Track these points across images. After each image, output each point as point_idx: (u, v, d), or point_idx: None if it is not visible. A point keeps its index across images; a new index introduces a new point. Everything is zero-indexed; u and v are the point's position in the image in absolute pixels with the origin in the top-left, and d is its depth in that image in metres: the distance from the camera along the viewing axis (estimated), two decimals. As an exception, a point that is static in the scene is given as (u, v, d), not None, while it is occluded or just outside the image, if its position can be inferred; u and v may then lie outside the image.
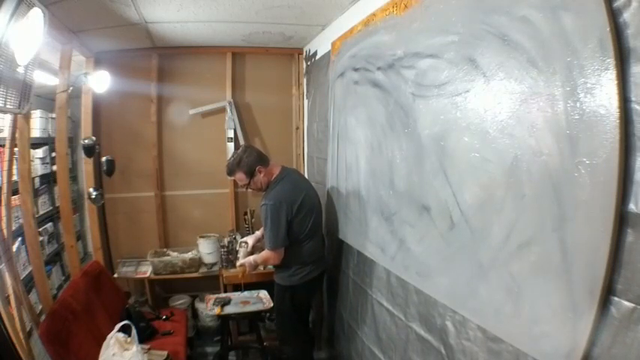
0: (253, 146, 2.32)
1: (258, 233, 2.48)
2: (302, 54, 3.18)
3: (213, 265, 2.99)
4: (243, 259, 2.30)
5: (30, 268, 2.14)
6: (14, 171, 1.90)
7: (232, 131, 3.19)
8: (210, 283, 3.05)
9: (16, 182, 1.95)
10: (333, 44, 2.38)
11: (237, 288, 2.69)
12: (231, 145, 3.20)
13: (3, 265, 1.66)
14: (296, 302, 2.25)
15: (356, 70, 2.02)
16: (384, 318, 1.84)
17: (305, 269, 2.18)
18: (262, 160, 2.17)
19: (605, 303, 0.82)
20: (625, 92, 0.78)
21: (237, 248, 2.53)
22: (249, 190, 2.24)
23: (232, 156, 2.24)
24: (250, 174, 2.14)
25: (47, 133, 2.99)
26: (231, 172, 2.19)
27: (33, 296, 2.10)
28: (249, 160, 2.13)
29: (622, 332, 0.79)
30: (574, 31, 0.86)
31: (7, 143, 1.81)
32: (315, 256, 2.23)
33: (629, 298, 0.78)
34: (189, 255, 2.98)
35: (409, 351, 1.61)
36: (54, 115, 2.59)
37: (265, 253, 2.17)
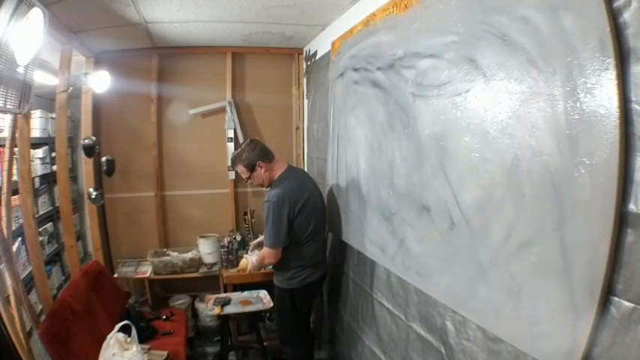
0: (259, 141, 2.23)
1: (260, 239, 2.50)
2: (302, 54, 3.18)
3: (213, 265, 2.99)
4: (247, 258, 2.32)
5: (30, 268, 2.14)
6: (14, 171, 1.90)
7: (232, 131, 3.19)
8: (210, 283, 3.05)
9: (16, 182, 1.95)
10: (333, 44, 2.38)
11: (237, 288, 2.70)
12: (231, 145, 3.20)
13: (3, 265, 1.66)
14: (297, 305, 2.22)
15: (356, 70, 2.02)
16: (384, 318, 1.84)
17: (304, 272, 2.15)
18: (265, 155, 2.15)
19: (605, 303, 0.82)
20: (625, 92, 0.78)
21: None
22: (249, 183, 2.24)
23: (237, 148, 2.26)
24: (251, 168, 2.14)
25: (47, 133, 2.99)
26: (233, 164, 2.23)
27: (33, 296, 2.10)
28: (251, 155, 2.13)
29: (622, 332, 0.79)
30: (574, 31, 0.86)
31: (7, 143, 1.81)
32: (315, 259, 2.20)
33: (629, 298, 0.78)
34: (189, 255, 2.98)
35: (409, 351, 1.61)
36: (54, 115, 2.58)
37: (263, 251, 2.15)
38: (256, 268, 2.26)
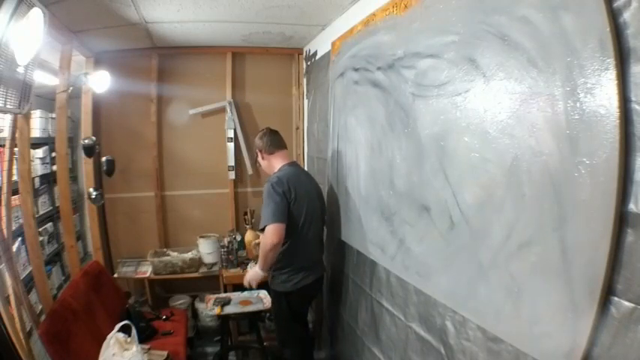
0: (272, 132, 2.28)
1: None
2: (302, 54, 3.18)
3: (213, 265, 2.99)
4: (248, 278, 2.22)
5: (30, 268, 2.14)
6: (14, 171, 1.90)
7: (232, 131, 3.19)
8: (210, 283, 3.05)
9: (16, 182, 1.95)
10: (333, 44, 2.38)
11: (237, 288, 2.70)
12: (231, 145, 3.20)
13: (3, 265, 1.66)
14: (293, 308, 2.21)
15: (356, 70, 2.02)
16: (383, 318, 1.84)
17: (297, 276, 2.13)
18: (266, 146, 2.25)
19: (605, 303, 0.82)
20: (625, 92, 0.77)
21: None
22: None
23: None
24: (255, 153, 2.36)
25: (47, 133, 2.99)
26: None
27: (33, 296, 2.10)
28: (257, 142, 2.30)
29: (622, 332, 0.79)
30: (574, 31, 0.86)
31: (7, 143, 1.81)
32: (308, 261, 2.18)
33: (629, 298, 0.78)
34: (189, 255, 2.98)
35: (409, 351, 1.61)
36: (54, 115, 2.58)
37: (265, 233, 2.02)
38: (262, 258, 2.07)
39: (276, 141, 2.26)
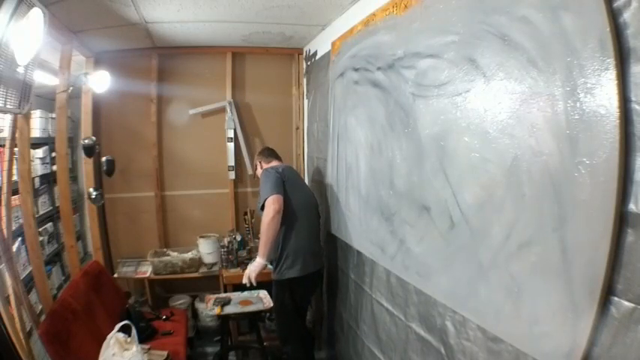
0: (269, 148, 2.61)
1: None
2: (302, 54, 3.18)
3: (213, 265, 2.99)
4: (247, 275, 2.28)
5: (30, 268, 2.14)
6: (14, 171, 1.90)
7: (232, 131, 3.19)
8: (210, 283, 3.05)
9: (16, 182, 1.95)
10: (333, 44, 2.38)
11: (237, 288, 2.70)
12: (231, 145, 3.20)
13: (3, 265, 1.66)
14: (296, 300, 2.26)
15: (356, 70, 2.02)
16: (383, 318, 1.84)
17: (301, 260, 2.21)
18: (266, 156, 2.54)
19: (605, 303, 0.82)
20: (625, 92, 0.78)
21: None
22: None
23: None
24: (255, 165, 2.66)
25: (47, 133, 2.99)
26: None
27: (33, 296, 2.10)
28: (257, 157, 2.61)
29: (622, 332, 0.79)
30: (574, 31, 0.86)
31: (7, 143, 1.81)
32: (309, 248, 2.27)
33: (629, 298, 0.78)
34: (189, 255, 2.98)
35: (409, 351, 1.61)
36: (54, 115, 2.58)
37: (265, 209, 2.13)
38: (264, 234, 2.13)
39: (273, 154, 2.57)
